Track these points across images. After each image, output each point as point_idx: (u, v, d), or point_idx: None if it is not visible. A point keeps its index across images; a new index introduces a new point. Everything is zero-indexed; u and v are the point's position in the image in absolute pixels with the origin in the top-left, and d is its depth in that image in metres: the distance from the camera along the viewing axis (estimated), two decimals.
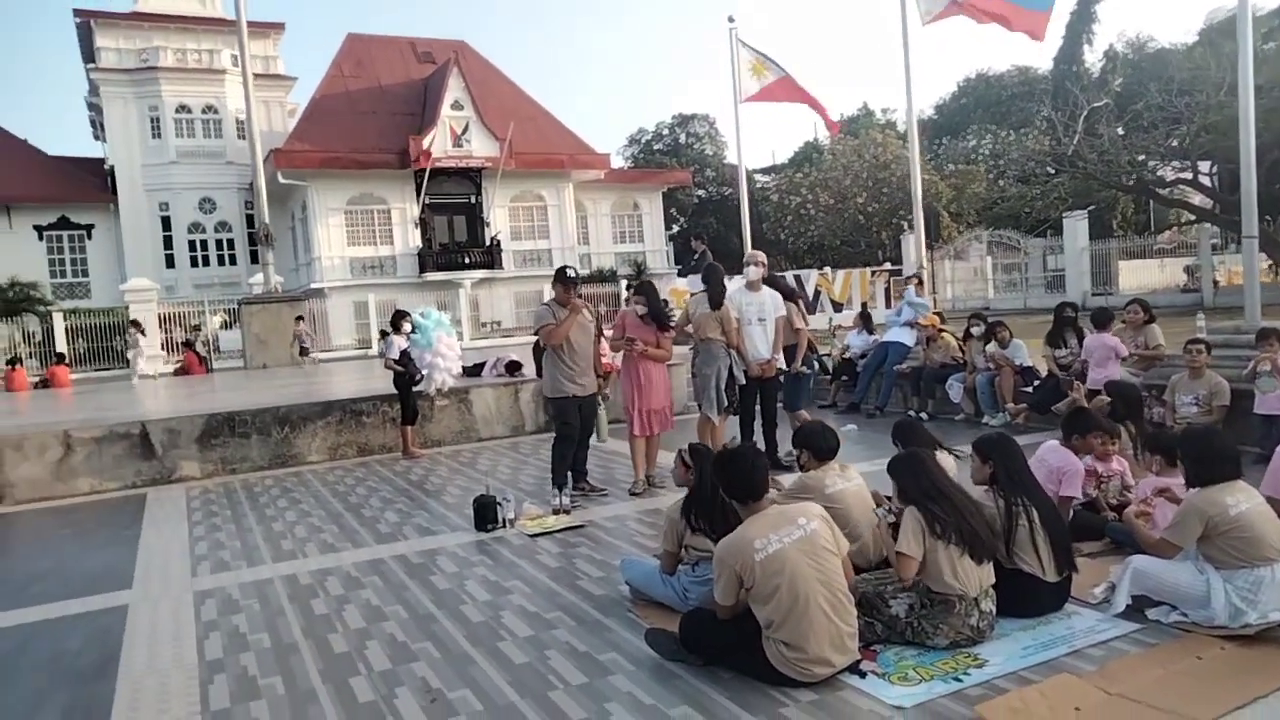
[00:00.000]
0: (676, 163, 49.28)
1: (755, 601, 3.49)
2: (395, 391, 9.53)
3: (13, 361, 20.04)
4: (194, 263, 36.89)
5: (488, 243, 33.93)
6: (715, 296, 7.08)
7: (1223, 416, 6.85)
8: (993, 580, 3.77)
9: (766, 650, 3.47)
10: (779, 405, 7.77)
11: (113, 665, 4.24)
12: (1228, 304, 22.02)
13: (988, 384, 9.14)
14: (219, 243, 37.49)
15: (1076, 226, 28.66)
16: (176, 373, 21.15)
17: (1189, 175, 26.54)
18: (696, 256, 13.58)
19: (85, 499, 8.61)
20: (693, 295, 7.85)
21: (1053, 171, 30.37)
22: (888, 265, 33.09)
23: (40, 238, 36.03)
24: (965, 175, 40.34)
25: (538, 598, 4.76)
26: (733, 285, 7.53)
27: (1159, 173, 27.81)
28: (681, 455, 4.48)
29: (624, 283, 30.07)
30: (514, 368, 11.32)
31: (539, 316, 7.08)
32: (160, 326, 23.90)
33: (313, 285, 31.06)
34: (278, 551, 6.14)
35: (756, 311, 7.32)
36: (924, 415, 9.76)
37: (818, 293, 27.18)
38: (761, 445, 7.05)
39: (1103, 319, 8.03)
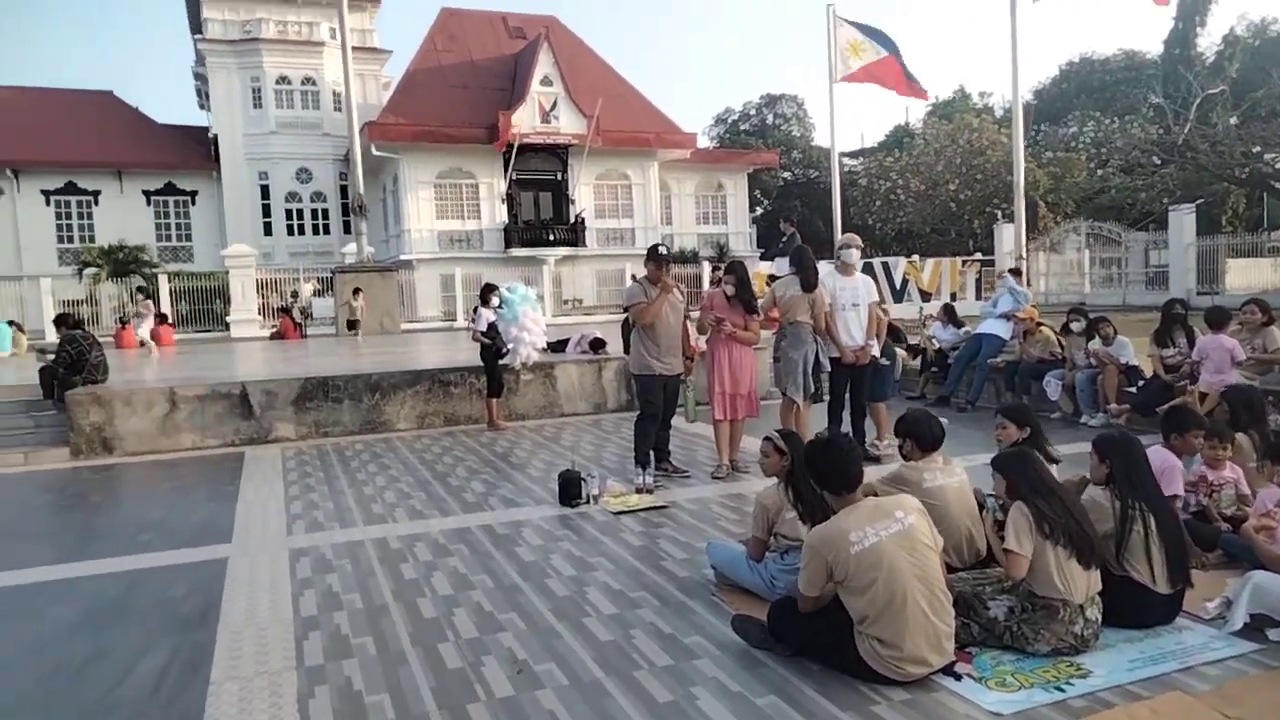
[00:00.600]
0: (763, 144, 48.66)
1: (849, 595, 3.41)
2: (482, 364, 9.66)
3: (124, 320, 21.00)
4: (290, 231, 38.07)
5: (572, 220, 34.12)
6: (807, 279, 6.94)
7: None
8: (1099, 587, 3.61)
9: (858, 645, 3.39)
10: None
11: (213, 615, 4.40)
12: None
13: (1088, 382, 8.78)
14: (314, 212, 38.58)
15: (1183, 220, 27.25)
16: (272, 337, 21.89)
17: None
18: (785, 239, 13.44)
19: (187, 454, 8.99)
20: (779, 277, 7.72)
21: (1159, 162, 28.94)
22: (978, 255, 32.10)
23: (148, 203, 37.65)
24: (1064, 164, 38.80)
25: (622, 575, 4.77)
26: (824, 269, 7.38)
27: (1277, 165, 26.21)
28: (773, 442, 4.40)
29: (706, 264, 29.92)
30: (598, 345, 11.36)
31: (630, 294, 7.06)
32: (258, 292, 24.75)
33: (402, 256, 31.72)
34: (369, 515, 6.29)
35: (850, 297, 7.16)
36: None
37: (905, 281, 26.53)
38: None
39: (1218, 319, 7.61)
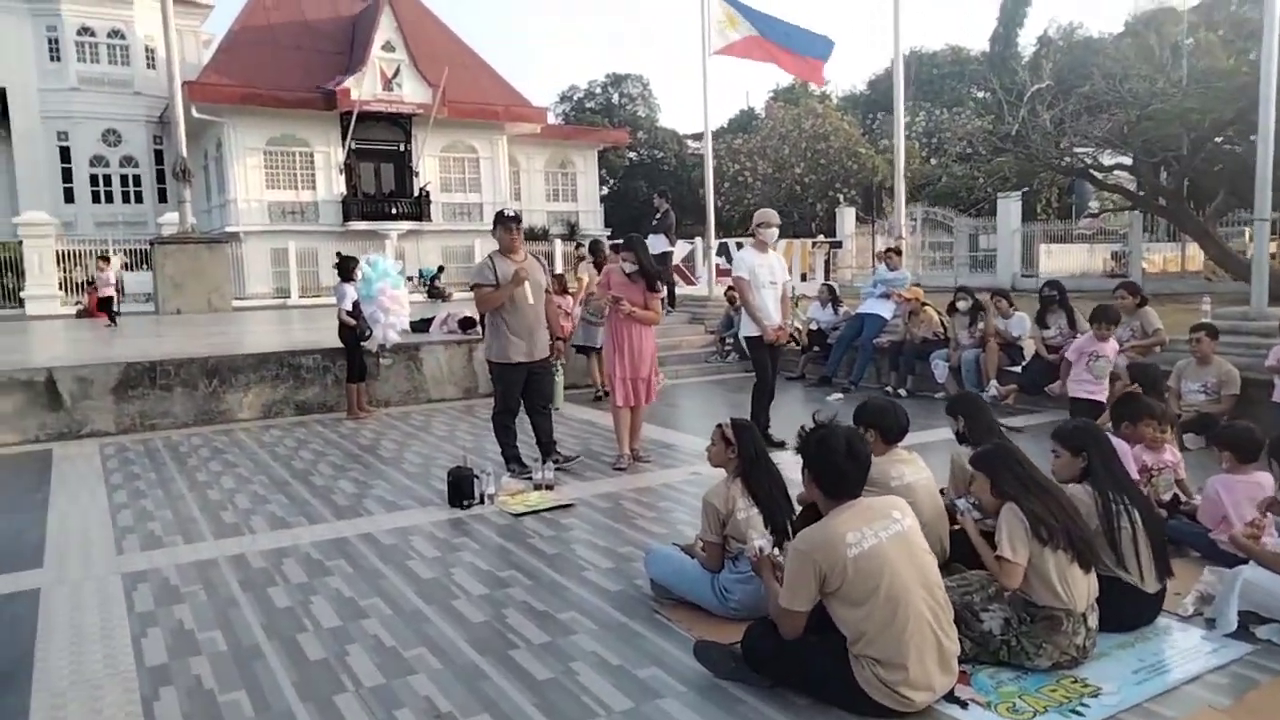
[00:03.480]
0: (609, 123, 48.17)
1: (843, 607, 2.89)
2: (341, 345, 8.65)
3: None
4: (96, 198, 34.30)
5: (416, 193, 32.47)
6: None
7: (1232, 406, 6.59)
8: (1098, 592, 3.29)
9: (855, 671, 2.89)
10: None
11: (25, 670, 3.44)
12: (1155, 290, 22.53)
13: (973, 362, 8.77)
14: (124, 178, 34.94)
15: (1010, 208, 28.90)
16: (79, 315, 19.44)
17: (1128, 160, 26.95)
18: (659, 215, 12.97)
19: None
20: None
21: (984, 152, 30.48)
22: (822, 237, 32.95)
23: None
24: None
25: (542, 592, 4.11)
26: (745, 247, 6.99)
27: (1099, 158, 28.18)
28: (722, 430, 3.87)
29: (558, 242, 29.18)
30: (468, 324, 10.48)
31: (477, 273, 6.24)
32: (59, 265, 21.99)
33: (227, 228, 29.18)
34: (219, 525, 5.31)
35: (768, 275, 6.74)
36: (902, 392, 9.37)
37: None
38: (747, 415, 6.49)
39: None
